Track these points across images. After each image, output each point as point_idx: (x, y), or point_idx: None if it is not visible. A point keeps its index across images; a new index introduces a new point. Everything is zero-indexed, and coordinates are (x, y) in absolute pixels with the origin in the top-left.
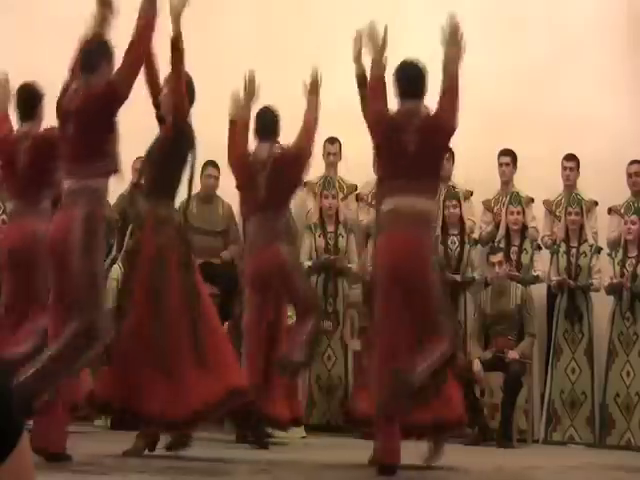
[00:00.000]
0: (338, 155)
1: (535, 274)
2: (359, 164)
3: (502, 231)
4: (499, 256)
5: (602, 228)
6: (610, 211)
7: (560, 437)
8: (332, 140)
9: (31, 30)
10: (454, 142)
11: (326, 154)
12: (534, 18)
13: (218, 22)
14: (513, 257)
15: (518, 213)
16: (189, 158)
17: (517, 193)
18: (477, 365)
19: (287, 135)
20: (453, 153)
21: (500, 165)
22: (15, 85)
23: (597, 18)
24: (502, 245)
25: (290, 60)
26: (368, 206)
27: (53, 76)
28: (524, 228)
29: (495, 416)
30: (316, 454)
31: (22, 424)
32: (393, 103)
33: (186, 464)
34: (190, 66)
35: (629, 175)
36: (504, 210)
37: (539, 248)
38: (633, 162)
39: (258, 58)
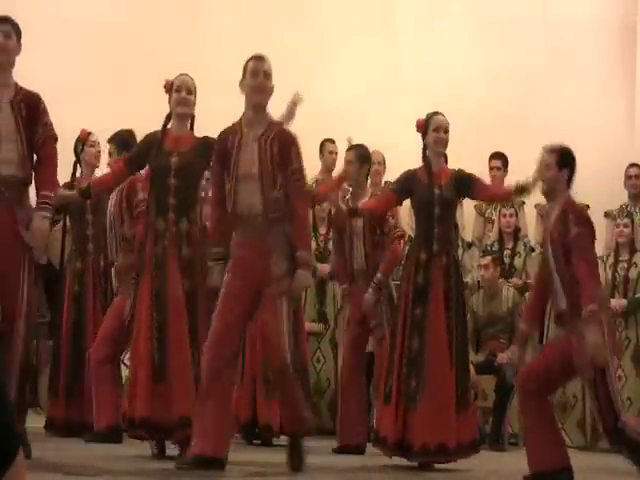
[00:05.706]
0: (337, 154)
1: (524, 280)
2: None
3: (495, 234)
4: (487, 259)
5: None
6: (606, 215)
7: None
8: (333, 140)
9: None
10: None
11: (327, 153)
12: (529, 21)
13: (216, 22)
14: (506, 260)
15: (511, 216)
16: None
17: None
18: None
19: None
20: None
21: (491, 169)
22: None
23: (592, 22)
24: (495, 248)
25: (288, 60)
26: None
27: None
28: (517, 231)
29: (487, 419)
30: (309, 456)
31: (20, 437)
32: None
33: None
34: (186, 66)
35: (628, 177)
36: (497, 213)
37: (532, 251)
38: (633, 165)
39: None
